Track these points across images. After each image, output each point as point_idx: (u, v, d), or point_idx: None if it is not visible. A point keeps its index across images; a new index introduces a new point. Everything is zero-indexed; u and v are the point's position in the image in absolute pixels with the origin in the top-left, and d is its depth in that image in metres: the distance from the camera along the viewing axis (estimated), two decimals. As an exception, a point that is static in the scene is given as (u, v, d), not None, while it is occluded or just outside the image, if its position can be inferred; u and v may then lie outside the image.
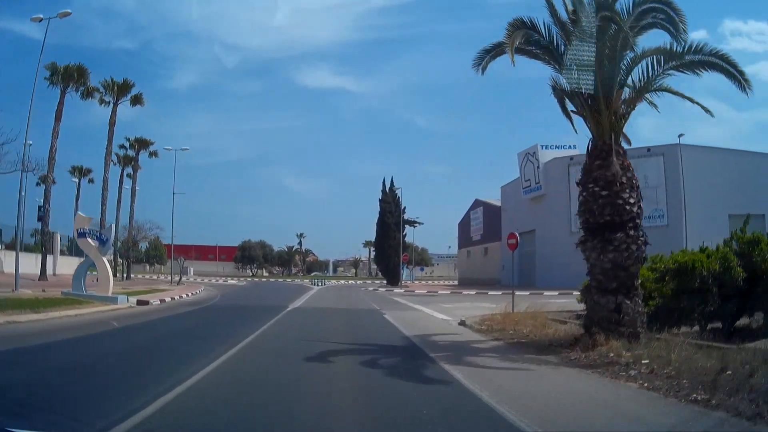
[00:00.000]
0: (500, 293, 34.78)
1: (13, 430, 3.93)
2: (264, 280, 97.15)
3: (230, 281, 73.89)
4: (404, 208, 62.54)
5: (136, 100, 47.16)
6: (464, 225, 78.01)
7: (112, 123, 45.87)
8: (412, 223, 61.15)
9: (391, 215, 60.43)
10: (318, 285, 58.84)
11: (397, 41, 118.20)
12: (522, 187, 54.28)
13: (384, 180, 62.70)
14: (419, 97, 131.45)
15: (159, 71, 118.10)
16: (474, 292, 44.45)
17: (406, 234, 57.17)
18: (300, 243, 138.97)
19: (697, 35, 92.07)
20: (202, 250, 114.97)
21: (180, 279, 54.46)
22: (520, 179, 54.78)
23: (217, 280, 74.03)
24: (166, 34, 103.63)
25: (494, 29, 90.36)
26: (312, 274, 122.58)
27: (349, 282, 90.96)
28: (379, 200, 62.48)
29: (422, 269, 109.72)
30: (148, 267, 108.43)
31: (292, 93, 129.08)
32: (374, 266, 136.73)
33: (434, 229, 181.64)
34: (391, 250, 60.01)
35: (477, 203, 73.54)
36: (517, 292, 21.54)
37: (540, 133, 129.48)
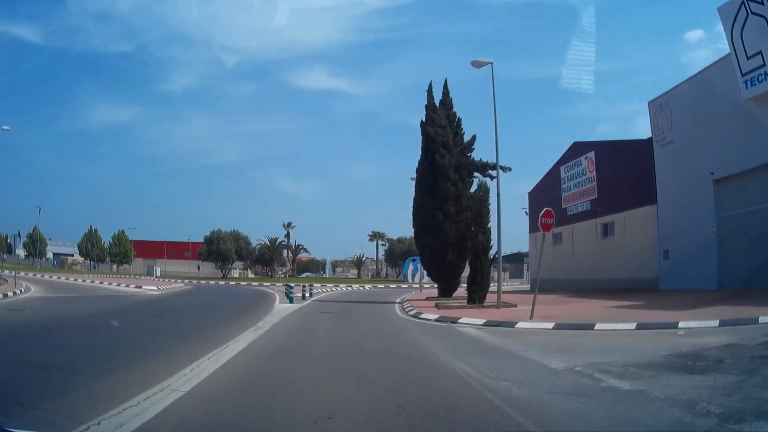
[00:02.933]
0: None
1: (13, 430, 4.01)
2: (211, 283, 67.08)
3: (146, 288, 42.32)
4: (470, 139, 30.56)
5: None
6: (545, 193, 46.52)
7: None
8: (489, 169, 28.51)
9: (446, 151, 28.85)
10: (294, 298, 27.82)
11: (393, 43, 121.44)
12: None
13: (430, 87, 30.83)
14: (415, 99, 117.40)
15: (155, 74, 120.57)
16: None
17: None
18: (288, 235, 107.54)
19: (693, 35, 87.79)
20: (179, 248, 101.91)
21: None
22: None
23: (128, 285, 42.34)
24: (162, 36, 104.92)
25: (490, 31, 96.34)
26: (303, 275, 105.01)
27: (354, 287, 59.06)
28: (422, 123, 30.57)
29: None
30: (115, 267, 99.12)
31: (287, 95, 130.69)
32: (385, 264, 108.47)
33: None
34: (452, 223, 28.63)
35: (579, 148, 42.06)
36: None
37: (540, 133, 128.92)
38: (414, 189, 29.89)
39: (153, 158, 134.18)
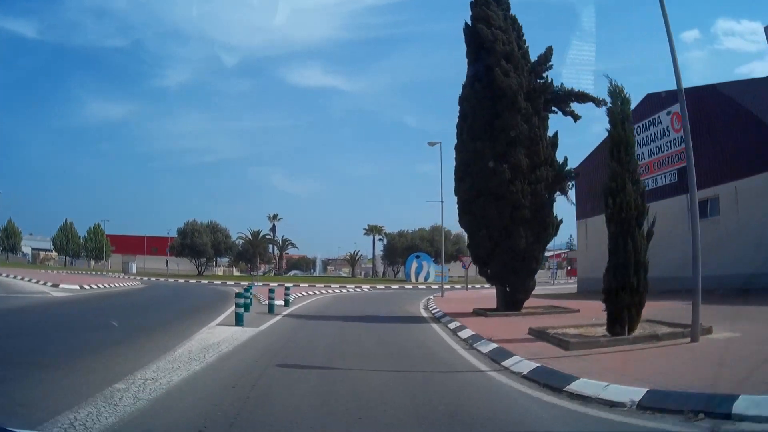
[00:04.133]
0: None
1: (13, 429, 3.96)
2: (171, 281, 56.19)
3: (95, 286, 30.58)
4: (543, 54, 18.74)
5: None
6: (601, 167, 34.63)
7: None
8: (577, 99, 17.20)
9: (511, 66, 17.43)
10: (244, 315, 16.36)
11: (388, 40, 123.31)
12: None
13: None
14: (410, 97, 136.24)
15: (151, 70, 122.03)
16: None
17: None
18: (273, 229, 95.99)
19: (689, 35, 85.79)
20: (160, 243, 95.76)
21: None
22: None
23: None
24: (158, 33, 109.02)
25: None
26: (291, 273, 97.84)
27: (349, 289, 47.52)
28: (468, 26, 18.84)
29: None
30: (93, 263, 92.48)
31: (283, 92, 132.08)
32: (383, 262, 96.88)
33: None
34: (524, 183, 16.20)
35: (656, 101, 30.99)
36: None
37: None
38: (456, 133, 18.20)
39: (147, 154, 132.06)
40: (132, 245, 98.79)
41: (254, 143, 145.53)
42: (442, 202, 32.17)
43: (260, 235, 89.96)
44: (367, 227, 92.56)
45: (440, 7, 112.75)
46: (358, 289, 45.59)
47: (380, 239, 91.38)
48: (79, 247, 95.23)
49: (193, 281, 60.86)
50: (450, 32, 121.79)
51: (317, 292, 36.54)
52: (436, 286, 60.86)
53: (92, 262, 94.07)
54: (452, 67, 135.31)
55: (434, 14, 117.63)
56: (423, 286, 58.63)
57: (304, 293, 33.48)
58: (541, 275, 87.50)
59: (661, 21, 9.88)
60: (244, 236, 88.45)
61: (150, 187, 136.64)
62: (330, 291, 40.04)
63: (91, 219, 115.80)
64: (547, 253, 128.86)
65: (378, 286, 55.93)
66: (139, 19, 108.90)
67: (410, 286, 58.11)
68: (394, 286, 57.30)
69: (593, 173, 36.51)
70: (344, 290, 42.94)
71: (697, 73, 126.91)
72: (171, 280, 61.76)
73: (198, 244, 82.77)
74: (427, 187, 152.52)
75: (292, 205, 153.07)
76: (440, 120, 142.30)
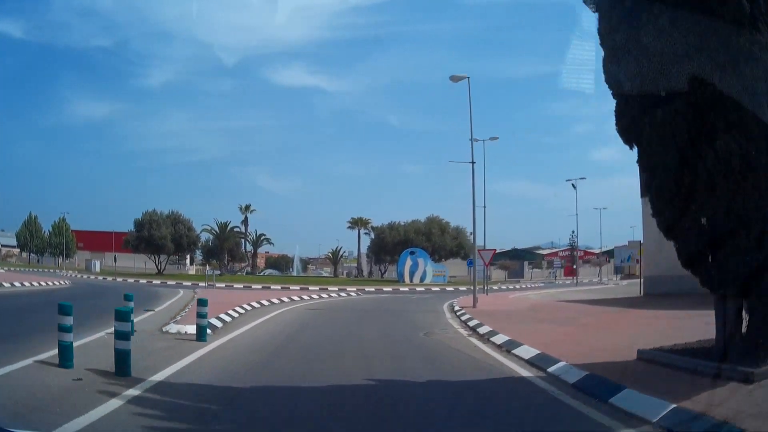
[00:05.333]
0: None
1: (13, 430, 3.91)
2: (108, 279, 44.74)
3: None
4: None
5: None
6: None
7: None
8: None
9: None
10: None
11: (372, 40, 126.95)
12: None
13: None
14: (393, 97, 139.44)
15: (136, 70, 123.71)
16: None
17: None
18: (245, 221, 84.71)
19: None
20: None
21: None
22: None
23: None
24: (143, 32, 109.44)
25: (469, 29, 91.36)
26: (265, 273, 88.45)
27: (332, 294, 36.62)
28: None
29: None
30: (60, 261, 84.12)
31: (266, 92, 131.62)
32: (369, 260, 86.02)
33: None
34: None
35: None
36: None
37: (520, 134, 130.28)
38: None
39: (132, 153, 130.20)
40: (101, 242, 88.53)
41: (238, 142, 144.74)
42: (473, 162, 21.82)
43: (228, 228, 78.36)
44: (351, 220, 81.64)
45: (423, 8, 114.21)
46: (342, 294, 34.81)
47: (366, 233, 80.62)
48: (43, 243, 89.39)
49: (144, 281, 49.87)
50: (433, 33, 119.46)
51: (288, 299, 25.74)
52: (437, 288, 50.45)
53: (59, 260, 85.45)
54: (435, 67, 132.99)
55: (417, 15, 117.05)
56: (421, 288, 47.96)
57: (270, 300, 22.93)
58: (536, 275, 77.20)
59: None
60: (209, 228, 76.81)
61: (134, 185, 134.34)
62: (305, 297, 29.08)
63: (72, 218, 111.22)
64: (544, 251, 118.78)
65: (367, 289, 45.19)
66: (125, 18, 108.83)
67: (406, 288, 47.45)
68: (386, 288, 46.57)
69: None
70: (324, 296, 32.00)
71: None
72: (120, 279, 50.77)
73: (156, 237, 71.21)
74: (412, 187, 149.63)
75: (275, 204, 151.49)
76: (423, 120, 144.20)
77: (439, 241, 65.20)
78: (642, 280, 30.50)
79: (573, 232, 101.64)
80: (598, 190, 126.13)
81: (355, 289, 44.67)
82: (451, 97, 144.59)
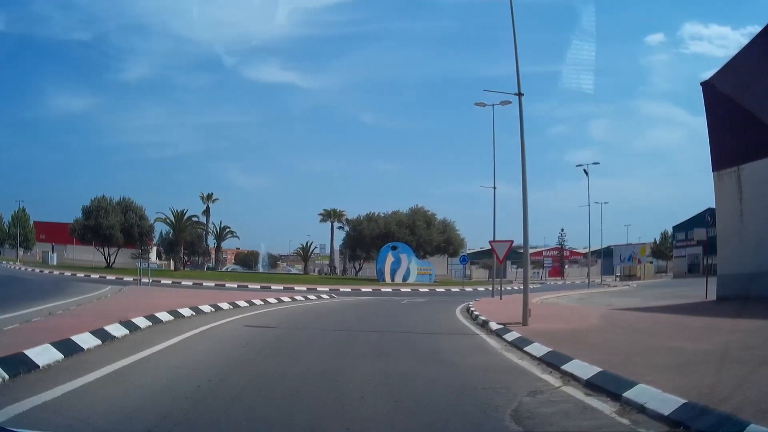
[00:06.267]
0: None
1: (13, 429, 3.84)
2: (36, 271, 36.64)
3: None
4: None
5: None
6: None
7: None
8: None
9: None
10: None
11: (347, 38, 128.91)
12: None
13: None
14: (368, 94, 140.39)
15: (113, 63, 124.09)
16: None
17: None
18: (207, 212, 76.55)
19: (653, 39, 76.97)
20: None
21: None
22: None
23: None
24: (121, 26, 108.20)
25: (444, 28, 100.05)
26: (228, 269, 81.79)
27: (297, 298, 28.48)
28: None
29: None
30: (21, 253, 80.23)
31: (241, 87, 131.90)
32: (343, 256, 78.19)
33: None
34: None
35: None
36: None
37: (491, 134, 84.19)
38: None
39: (108, 147, 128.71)
40: (61, 233, 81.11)
41: (212, 138, 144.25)
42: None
43: (185, 217, 69.49)
44: (323, 212, 73.64)
45: (399, 6, 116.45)
46: (311, 297, 26.66)
47: (340, 227, 72.70)
48: (3, 234, 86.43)
49: (81, 274, 42.39)
50: (409, 32, 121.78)
51: (231, 306, 17.70)
52: (425, 289, 42.99)
53: (20, 252, 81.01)
54: (410, 65, 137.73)
55: (393, 13, 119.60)
56: (406, 289, 40.49)
57: (195, 310, 14.94)
58: (521, 276, 70.01)
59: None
60: (163, 217, 68.04)
61: (107, 179, 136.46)
62: (259, 302, 20.94)
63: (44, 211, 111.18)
64: (531, 250, 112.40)
65: (341, 289, 37.57)
66: (104, 11, 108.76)
67: (388, 289, 39.92)
68: (364, 289, 39.00)
69: (747, 89, 20.01)
70: (285, 299, 23.79)
71: (660, 75, 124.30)
72: (68, 273, 43.43)
73: (103, 226, 62.39)
74: (387, 185, 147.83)
75: (248, 200, 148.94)
76: (397, 117, 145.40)
77: (424, 235, 57.38)
78: (706, 279, 23.41)
79: (562, 230, 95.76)
80: (576, 191, 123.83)
81: (327, 290, 37.02)
82: (426, 96, 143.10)
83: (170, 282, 38.31)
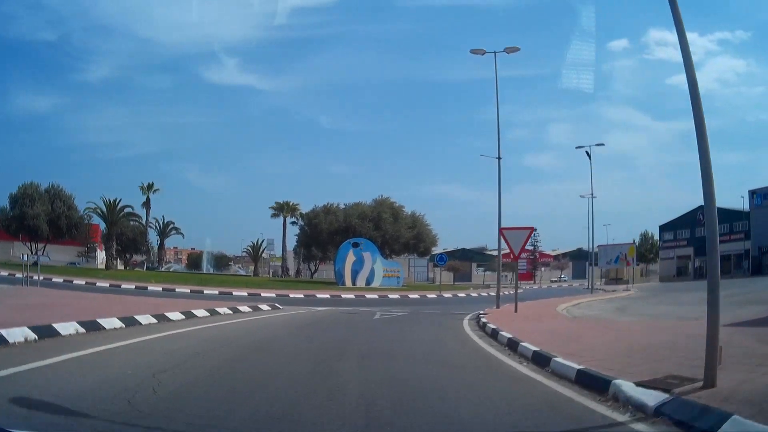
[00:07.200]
0: None
1: (13, 430, 3.91)
2: None
3: None
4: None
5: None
6: None
7: None
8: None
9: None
10: None
11: (307, 41, 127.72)
12: None
13: None
14: (326, 97, 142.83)
15: (76, 64, 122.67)
16: None
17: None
18: (147, 203, 68.44)
19: (617, 45, 77.20)
20: None
21: None
22: None
23: None
24: (85, 27, 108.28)
25: (403, 32, 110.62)
26: (169, 269, 73.68)
27: (229, 309, 20.19)
28: None
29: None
30: None
31: (201, 89, 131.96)
32: (297, 256, 69.90)
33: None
34: None
35: None
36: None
37: (451, 137, 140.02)
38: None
39: (68, 147, 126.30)
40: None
41: (171, 139, 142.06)
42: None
43: (118, 207, 60.36)
44: (275, 206, 65.43)
45: (357, 11, 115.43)
46: (243, 309, 18.02)
47: (294, 222, 64.61)
48: None
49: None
50: (367, 36, 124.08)
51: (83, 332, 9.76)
52: (395, 295, 35.31)
53: None
54: (368, 69, 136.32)
55: (352, 17, 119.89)
56: (374, 295, 32.94)
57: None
58: (489, 278, 63.25)
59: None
60: (94, 207, 58.95)
61: (65, 179, 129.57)
62: (160, 319, 12.78)
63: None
64: (495, 252, 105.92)
65: (292, 295, 29.99)
66: (70, 12, 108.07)
67: (350, 295, 32.34)
68: (321, 295, 31.44)
69: None
70: (200, 315, 15.10)
71: (623, 81, 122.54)
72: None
73: (28, 216, 53.34)
74: (345, 186, 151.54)
75: (204, 201, 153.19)
76: (355, 120, 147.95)
77: (391, 230, 49.54)
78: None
79: (534, 230, 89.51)
80: (534, 195, 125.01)
81: (273, 295, 29.25)
82: (384, 99, 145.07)
83: (62, 280, 30.81)
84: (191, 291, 30.05)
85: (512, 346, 9.15)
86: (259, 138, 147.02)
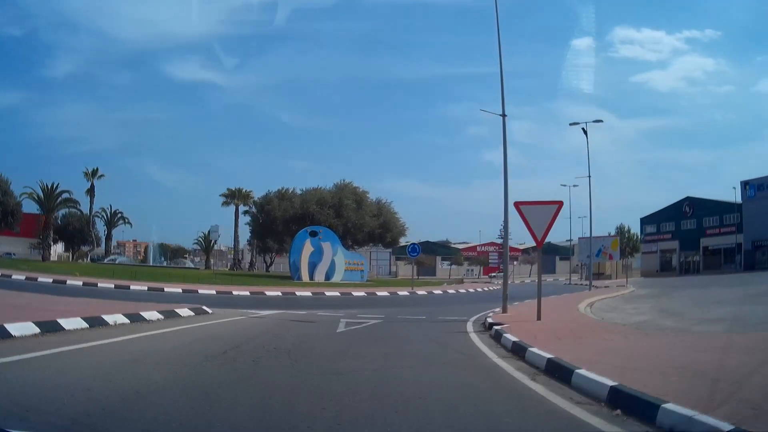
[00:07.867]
0: None
1: (12, 430, 3.78)
2: None
3: None
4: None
5: None
6: None
7: None
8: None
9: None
10: None
11: (268, 38, 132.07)
12: None
13: None
14: (286, 94, 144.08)
15: (41, 59, 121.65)
16: None
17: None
18: (91, 190, 63.03)
19: (581, 43, 74.83)
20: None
21: None
22: None
23: None
24: (51, 22, 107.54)
25: (366, 30, 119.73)
26: (115, 261, 62.48)
27: (151, 317, 14.53)
28: None
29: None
30: None
31: (162, 84, 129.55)
32: (251, 247, 64.31)
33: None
34: None
35: None
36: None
37: (411, 136, 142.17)
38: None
39: (33, 142, 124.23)
40: None
41: (132, 134, 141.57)
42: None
43: (56, 192, 54.11)
44: (226, 193, 59.65)
45: (318, 7, 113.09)
46: (150, 317, 12.91)
47: (246, 211, 58.92)
48: None
49: None
50: (328, 32, 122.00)
51: None
52: (360, 292, 30.19)
53: None
54: (328, 66, 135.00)
55: (314, 14, 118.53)
56: (335, 292, 28.06)
57: None
58: (454, 272, 58.98)
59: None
60: (30, 192, 53.59)
61: (31, 175, 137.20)
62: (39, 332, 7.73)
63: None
64: (458, 246, 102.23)
65: (236, 293, 25.05)
66: (36, 8, 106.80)
67: (307, 292, 27.39)
68: (271, 292, 26.60)
69: None
70: (116, 323, 10.42)
71: (586, 81, 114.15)
72: None
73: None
74: (303, 182, 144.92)
75: (163, 195, 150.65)
76: (313, 116, 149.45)
77: (354, 217, 44.13)
78: None
79: (502, 224, 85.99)
80: (496, 191, 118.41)
81: (214, 292, 24.13)
82: (345, 96, 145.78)
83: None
84: (115, 287, 24.94)
85: (614, 401, 4.44)
86: (219, 133, 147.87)
